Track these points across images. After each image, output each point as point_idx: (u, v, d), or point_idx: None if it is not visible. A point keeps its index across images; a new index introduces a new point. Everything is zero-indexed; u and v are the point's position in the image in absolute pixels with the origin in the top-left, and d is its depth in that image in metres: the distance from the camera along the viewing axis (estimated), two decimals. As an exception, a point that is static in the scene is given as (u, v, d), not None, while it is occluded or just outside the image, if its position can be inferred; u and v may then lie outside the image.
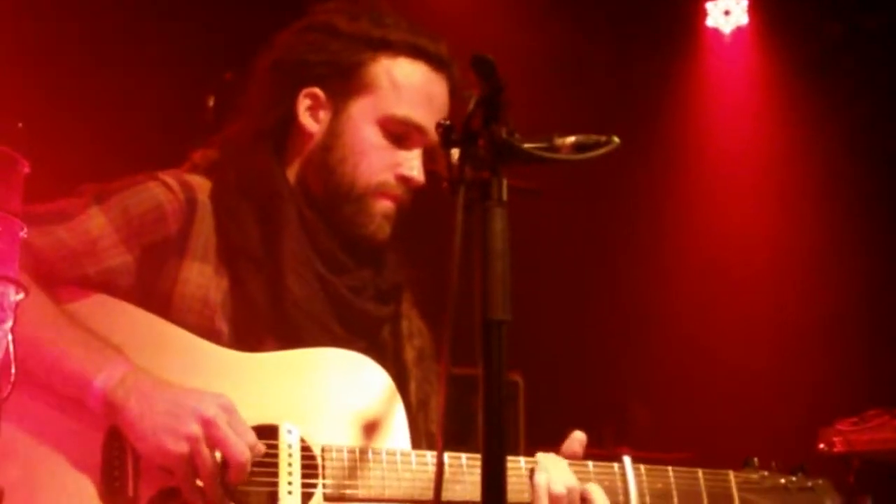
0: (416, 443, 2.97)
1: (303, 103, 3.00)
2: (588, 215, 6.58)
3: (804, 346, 6.34)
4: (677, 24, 7.25)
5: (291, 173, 3.02)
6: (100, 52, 5.20)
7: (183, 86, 4.88)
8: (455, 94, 3.01)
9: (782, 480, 3.16)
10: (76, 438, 2.66)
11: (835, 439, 4.59)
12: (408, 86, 2.97)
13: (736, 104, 7.28)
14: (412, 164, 2.95)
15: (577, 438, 2.96)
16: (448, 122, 2.24)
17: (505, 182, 2.14)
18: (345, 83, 2.97)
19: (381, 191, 2.95)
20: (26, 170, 1.94)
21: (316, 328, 2.89)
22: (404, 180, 2.96)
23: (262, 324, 2.87)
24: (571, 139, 2.27)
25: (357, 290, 2.98)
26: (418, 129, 2.96)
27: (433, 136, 2.85)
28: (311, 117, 3.00)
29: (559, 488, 2.79)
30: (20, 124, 1.93)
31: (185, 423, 2.58)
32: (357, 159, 2.95)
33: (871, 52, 6.62)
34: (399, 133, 2.96)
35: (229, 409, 2.62)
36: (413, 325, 3.11)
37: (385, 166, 2.95)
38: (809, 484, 3.18)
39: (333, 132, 2.98)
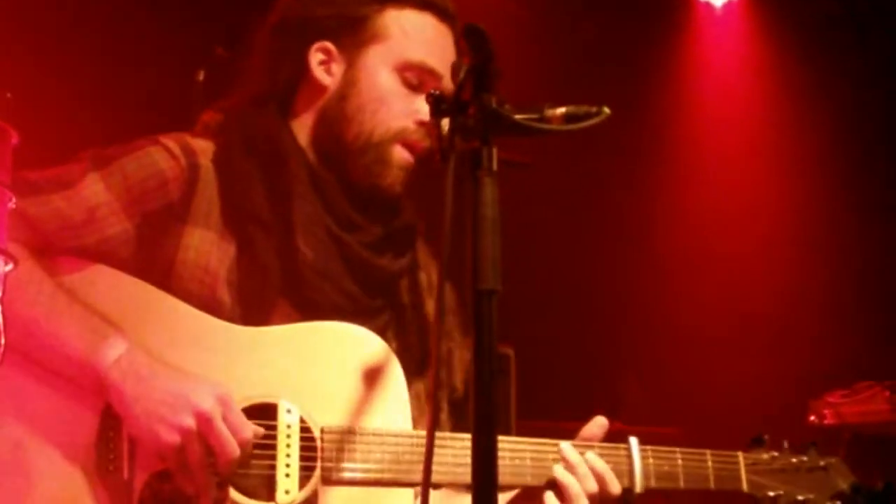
0: (438, 399, 2.97)
1: (315, 57, 2.97)
2: (581, 188, 6.58)
3: (795, 319, 6.36)
4: (668, -2, 7.24)
5: (303, 131, 2.99)
6: (90, 24, 5.19)
7: (173, 60, 4.87)
8: (458, 49, 2.98)
9: (793, 460, 3.10)
10: (69, 416, 2.64)
11: (825, 412, 4.62)
12: (418, 33, 2.96)
13: (727, 77, 7.27)
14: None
15: (599, 423, 2.92)
16: (438, 92, 2.24)
17: (495, 152, 2.15)
18: (355, 35, 2.96)
19: (400, 137, 2.92)
20: (15, 140, 1.94)
21: (331, 289, 2.86)
22: (424, 125, 2.91)
23: (273, 288, 2.84)
24: (562, 110, 2.28)
25: (371, 245, 2.94)
26: (433, 75, 2.94)
27: (448, 82, 2.76)
28: (324, 71, 2.97)
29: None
30: (8, 95, 1.93)
31: (179, 414, 2.57)
32: (375, 106, 2.92)
33: (864, 26, 6.60)
34: (415, 79, 2.94)
35: (226, 402, 2.60)
36: (433, 277, 3.08)
37: (404, 112, 2.92)
38: (822, 463, 3.12)
39: (349, 82, 2.95)
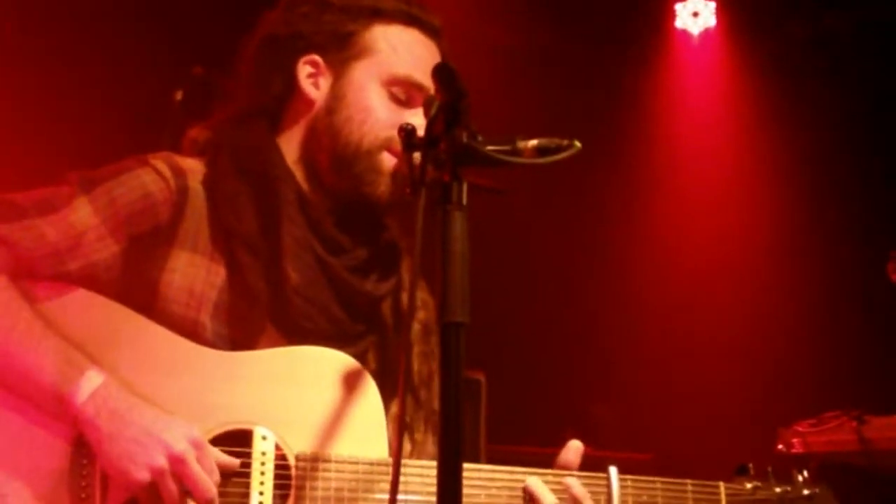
0: (416, 422, 2.97)
1: (303, 70, 2.98)
2: (553, 216, 6.60)
3: (764, 347, 6.39)
4: (646, 25, 7.27)
5: (292, 145, 2.99)
6: (70, 45, 5.19)
7: (152, 79, 4.87)
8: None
9: (777, 490, 3.05)
10: (41, 444, 2.64)
11: (793, 440, 4.63)
12: (405, 49, 2.97)
13: (704, 104, 7.31)
14: (418, 121, 2.75)
15: (574, 448, 2.89)
16: (410, 126, 2.27)
17: (465, 186, 2.16)
18: (343, 50, 2.97)
19: (388, 145, 2.90)
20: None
21: (318, 314, 2.86)
22: None
23: (262, 313, 2.83)
24: (534, 142, 2.29)
25: (356, 269, 2.94)
26: (419, 89, 2.93)
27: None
28: (312, 85, 2.98)
29: None
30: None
31: (151, 454, 2.56)
32: (363, 116, 2.92)
33: (835, 52, 6.66)
34: (402, 94, 2.95)
35: (199, 445, 2.59)
36: (417, 298, 3.00)
37: (391, 123, 2.87)
38: (806, 492, 3.07)
39: (336, 95, 2.96)
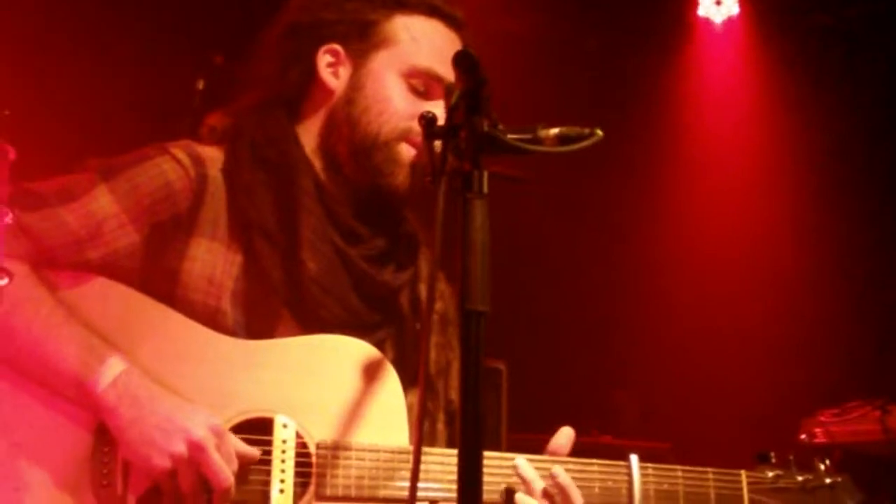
0: (434, 410, 2.97)
1: (323, 59, 2.97)
2: (575, 207, 6.59)
3: (787, 336, 6.36)
4: (669, 14, 7.24)
5: (311, 135, 2.98)
6: (92, 36, 5.20)
7: (173, 68, 4.88)
8: None
9: (798, 478, 3.04)
10: (63, 432, 2.64)
11: (816, 430, 4.62)
12: (427, 40, 2.96)
13: (726, 93, 7.29)
14: (438, 113, 2.82)
15: (565, 434, 2.88)
16: (431, 114, 2.26)
17: (486, 174, 2.16)
18: (363, 39, 2.95)
19: (406, 136, 2.90)
20: (12, 156, 1.95)
21: (334, 304, 2.86)
22: None
23: (279, 301, 2.83)
24: (555, 131, 2.28)
25: (373, 259, 2.93)
26: (439, 81, 2.90)
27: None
28: (331, 74, 2.96)
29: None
30: (7, 111, 1.94)
31: (172, 442, 2.57)
32: (381, 107, 2.91)
33: (857, 42, 6.63)
34: (421, 86, 2.93)
35: (219, 433, 2.59)
36: (436, 289, 2.94)
37: (409, 114, 2.87)
38: (828, 481, 3.05)
39: (355, 85, 2.94)
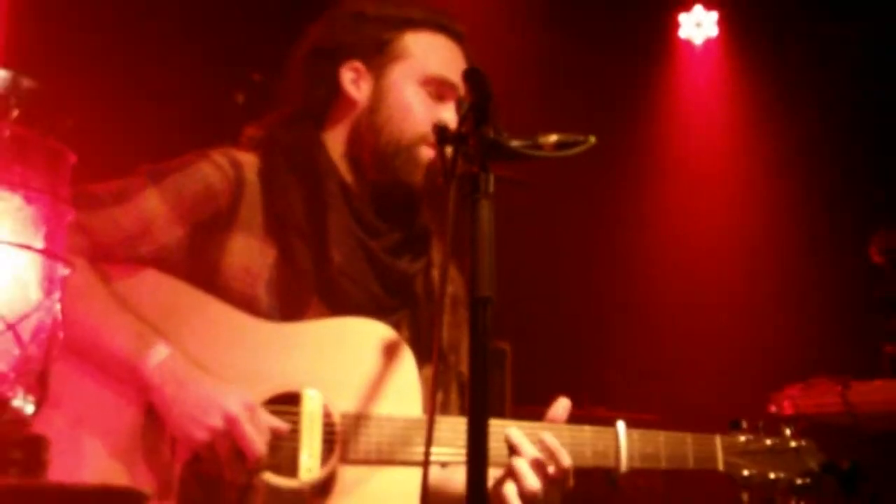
0: (446, 382, 2.99)
1: (346, 76, 2.98)
2: (573, 205, 6.60)
3: (760, 320, 6.38)
4: (653, 35, 7.25)
5: (337, 141, 2.99)
6: (148, 56, 5.23)
7: (217, 83, 4.89)
8: (468, 61, 3.02)
9: (767, 442, 3.05)
10: (117, 408, 2.66)
11: (784, 403, 4.61)
12: (435, 52, 2.98)
13: (706, 107, 7.29)
14: (450, 115, 2.83)
15: (562, 405, 2.88)
16: (443, 124, 2.27)
17: (492, 177, 2.17)
18: (381, 55, 2.97)
19: (426, 139, 2.90)
20: (74, 161, 1.95)
21: (357, 290, 2.87)
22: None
23: (309, 289, 2.84)
24: (554, 138, 2.30)
25: (391, 250, 2.95)
26: (451, 86, 2.94)
27: (463, 91, 2.81)
28: (354, 87, 2.98)
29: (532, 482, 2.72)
30: (70, 121, 1.94)
31: (210, 417, 2.58)
32: (402, 115, 2.93)
33: (825, 62, 6.62)
34: (435, 91, 2.95)
35: (251, 408, 2.61)
36: (448, 274, 2.95)
37: (428, 118, 2.88)
38: (793, 445, 3.07)
39: (377, 96, 2.96)
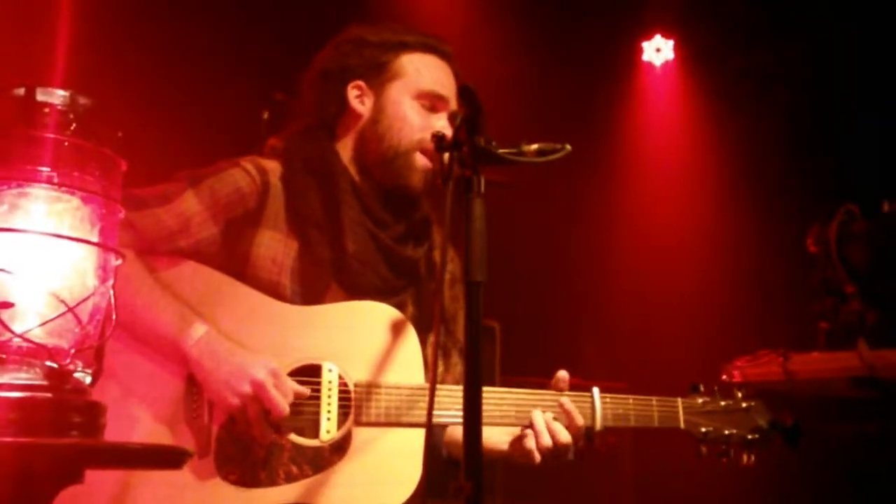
0: (448, 348, 3.03)
1: (352, 93, 3.01)
2: (552, 203, 6.59)
3: (715, 303, 6.38)
4: (619, 59, 7.25)
5: (346, 149, 3.01)
6: (186, 78, 5.23)
7: (245, 102, 4.88)
8: (456, 77, 3.05)
9: (721, 403, 3.09)
10: (162, 379, 2.68)
11: (734, 372, 4.60)
12: (427, 70, 3.01)
13: (665, 120, 7.29)
14: (442, 123, 2.94)
15: (562, 378, 2.94)
16: (441, 133, 2.27)
17: (483, 179, 2.18)
18: (380, 75, 3.00)
19: (419, 146, 2.94)
20: (124, 168, 1.95)
21: (370, 273, 2.89)
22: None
23: (327, 274, 2.86)
24: (535, 146, 2.32)
25: (398, 238, 2.97)
26: (442, 99, 2.99)
27: (454, 103, 2.96)
28: (359, 102, 3.01)
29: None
30: (119, 134, 1.94)
31: (241, 384, 2.60)
32: (399, 124, 2.96)
33: (767, 80, 6.64)
34: (428, 103, 2.98)
35: (276, 374, 2.63)
36: (447, 255, 3.01)
37: (421, 127, 2.95)
38: (744, 405, 3.11)
39: (378, 110, 2.99)
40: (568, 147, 2.32)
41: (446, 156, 2.23)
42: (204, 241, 2.81)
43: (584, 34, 6.82)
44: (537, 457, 2.80)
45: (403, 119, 2.96)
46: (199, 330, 2.65)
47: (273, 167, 2.93)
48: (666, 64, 7.30)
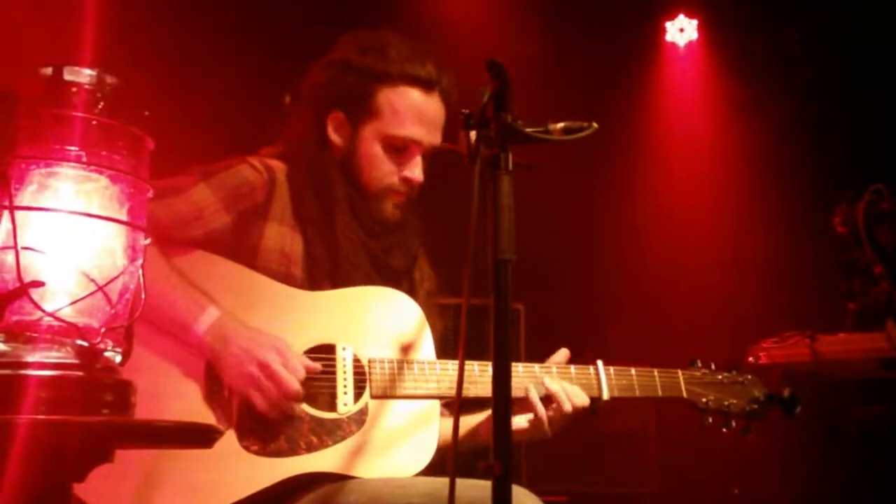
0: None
1: (330, 125, 3.06)
2: (578, 184, 6.58)
3: (740, 283, 6.36)
4: (643, 39, 7.22)
5: (337, 162, 3.07)
6: (207, 54, 5.26)
7: (268, 83, 4.89)
8: (448, 99, 3.08)
9: (719, 377, 3.20)
10: (184, 359, 2.75)
11: (760, 354, 4.60)
12: (404, 110, 3.02)
13: (687, 98, 7.27)
14: (413, 169, 3.02)
15: (563, 353, 3.08)
16: (468, 111, 2.26)
17: (511, 156, 2.17)
18: (358, 109, 3.02)
19: (390, 190, 3.03)
20: (151, 146, 1.96)
21: (360, 276, 2.97)
22: (406, 181, 3.03)
23: (322, 272, 2.94)
24: (561, 124, 2.29)
25: (386, 250, 3.06)
26: (415, 142, 3.01)
27: (428, 143, 3.02)
28: (337, 135, 3.06)
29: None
30: (146, 112, 1.95)
31: (248, 366, 2.68)
32: (369, 169, 3.02)
33: (789, 60, 6.60)
34: (399, 146, 3.02)
35: (282, 352, 2.71)
36: (424, 273, 3.19)
37: (390, 172, 3.01)
38: (741, 379, 3.22)
39: (352, 149, 3.04)
40: (595, 125, 2.29)
41: (473, 134, 2.22)
42: (216, 230, 2.88)
43: (607, 15, 6.80)
44: (555, 425, 2.94)
45: (372, 164, 3.01)
46: (212, 314, 2.73)
47: (278, 165, 3.02)
48: (689, 44, 7.26)
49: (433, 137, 3.04)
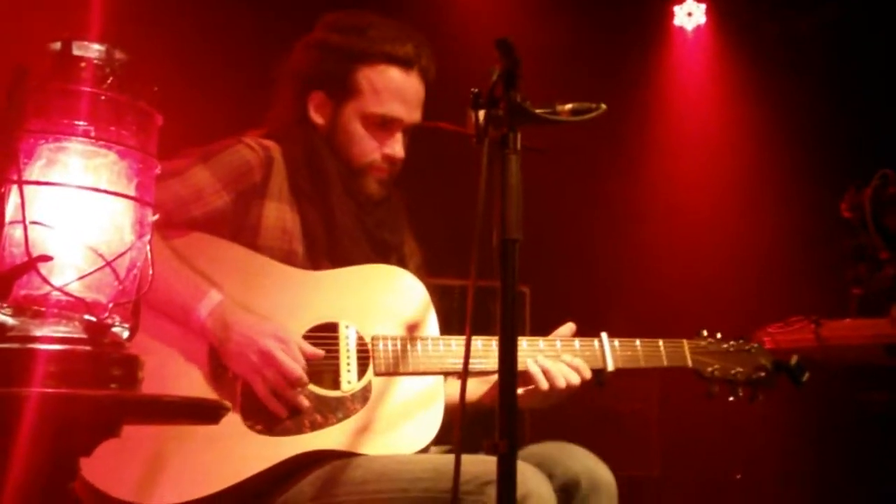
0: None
1: (311, 105, 3.09)
2: (585, 167, 6.56)
3: (746, 267, 6.36)
4: (651, 23, 7.20)
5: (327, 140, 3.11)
6: (216, 30, 5.26)
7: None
8: (427, 77, 3.11)
9: (724, 346, 3.19)
10: (187, 341, 2.76)
11: (765, 339, 4.59)
12: (384, 88, 3.04)
13: (696, 83, 7.25)
14: (394, 145, 3.06)
15: (569, 327, 3.11)
16: (477, 90, 2.25)
17: (519, 136, 2.16)
18: (338, 90, 3.06)
19: (372, 167, 3.06)
20: (160, 122, 1.96)
21: (356, 251, 3.00)
22: (388, 158, 3.07)
23: (320, 248, 2.97)
24: (569, 106, 2.30)
25: (377, 224, 3.08)
26: (395, 119, 3.05)
27: (409, 120, 3.06)
28: (317, 115, 3.09)
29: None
30: (155, 88, 1.95)
31: (249, 354, 2.70)
32: (350, 146, 3.05)
33: (800, 47, 6.58)
34: (380, 124, 3.05)
35: (283, 339, 2.73)
36: (412, 248, 3.21)
37: (372, 149, 3.05)
38: (747, 347, 3.21)
39: (334, 127, 3.07)
40: (603, 106, 2.30)
41: (481, 113, 2.22)
42: (217, 210, 2.90)
43: (615, -1, 6.80)
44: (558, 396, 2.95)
45: (354, 142, 3.05)
46: (213, 298, 2.74)
47: (272, 144, 3.04)
48: (697, 28, 7.23)
49: (413, 115, 3.08)
